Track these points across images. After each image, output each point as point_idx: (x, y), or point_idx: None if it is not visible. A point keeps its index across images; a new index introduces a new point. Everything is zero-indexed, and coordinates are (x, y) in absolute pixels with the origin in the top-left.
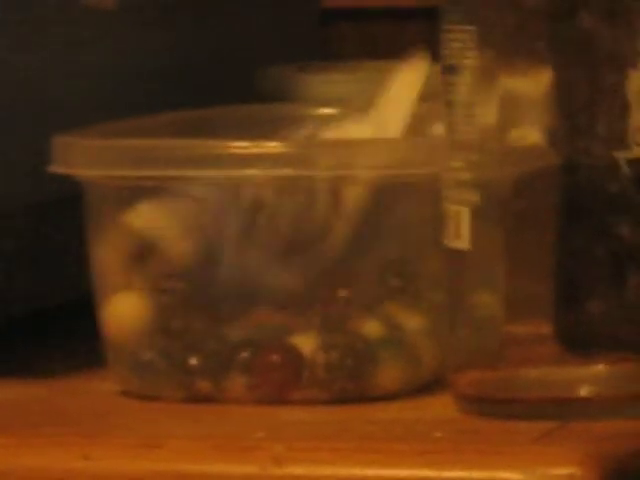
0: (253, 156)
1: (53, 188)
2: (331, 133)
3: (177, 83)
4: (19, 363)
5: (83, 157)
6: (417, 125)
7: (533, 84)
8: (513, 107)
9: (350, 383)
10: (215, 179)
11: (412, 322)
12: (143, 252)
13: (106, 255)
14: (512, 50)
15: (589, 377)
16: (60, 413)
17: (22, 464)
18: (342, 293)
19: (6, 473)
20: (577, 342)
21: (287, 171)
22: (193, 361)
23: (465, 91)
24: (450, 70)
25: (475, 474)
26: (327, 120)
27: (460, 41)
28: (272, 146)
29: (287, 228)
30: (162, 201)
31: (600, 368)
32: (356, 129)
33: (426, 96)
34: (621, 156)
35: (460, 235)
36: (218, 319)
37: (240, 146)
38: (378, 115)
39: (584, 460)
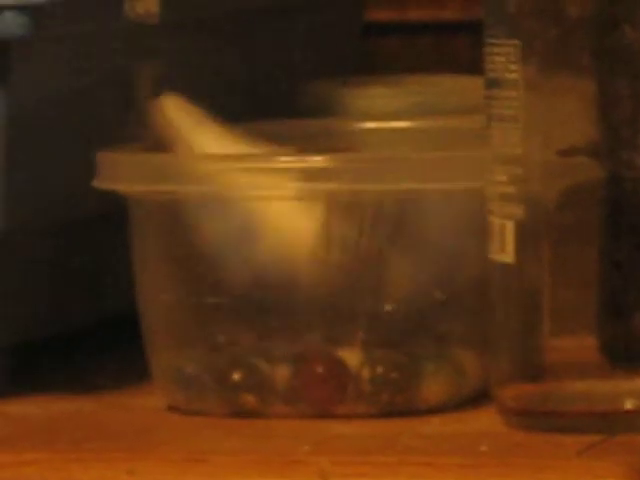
0: (297, 170)
1: (94, 204)
2: None
3: (219, 98)
4: (65, 378)
5: (127, 172)
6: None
7: (576, 96)
8: (557, 120)
9: (395, 397)
10: (260, 192)
11: (456, 336)
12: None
13: (151, 269)
14: (555, 63)
15: (634, 390)
16: (105, 428)
17: (67, 479)
18: (387, 307)
19: None
20: (621, 354)
21: (331, 185)
22: (237, 376)
23: (508, 105)
24: (494, 84)
25: None
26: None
27: (503, 55)
28: (316, 160)
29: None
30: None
31: None
32: None
33: (471, 109)
34: None
35: (505, 248)
36: (263, 333)
37: (285, 160)
38: None
39: (629, 473)
